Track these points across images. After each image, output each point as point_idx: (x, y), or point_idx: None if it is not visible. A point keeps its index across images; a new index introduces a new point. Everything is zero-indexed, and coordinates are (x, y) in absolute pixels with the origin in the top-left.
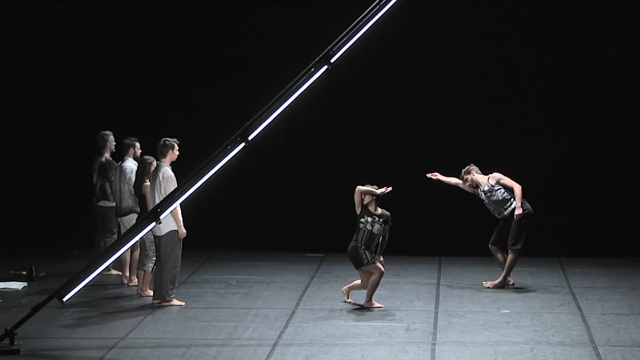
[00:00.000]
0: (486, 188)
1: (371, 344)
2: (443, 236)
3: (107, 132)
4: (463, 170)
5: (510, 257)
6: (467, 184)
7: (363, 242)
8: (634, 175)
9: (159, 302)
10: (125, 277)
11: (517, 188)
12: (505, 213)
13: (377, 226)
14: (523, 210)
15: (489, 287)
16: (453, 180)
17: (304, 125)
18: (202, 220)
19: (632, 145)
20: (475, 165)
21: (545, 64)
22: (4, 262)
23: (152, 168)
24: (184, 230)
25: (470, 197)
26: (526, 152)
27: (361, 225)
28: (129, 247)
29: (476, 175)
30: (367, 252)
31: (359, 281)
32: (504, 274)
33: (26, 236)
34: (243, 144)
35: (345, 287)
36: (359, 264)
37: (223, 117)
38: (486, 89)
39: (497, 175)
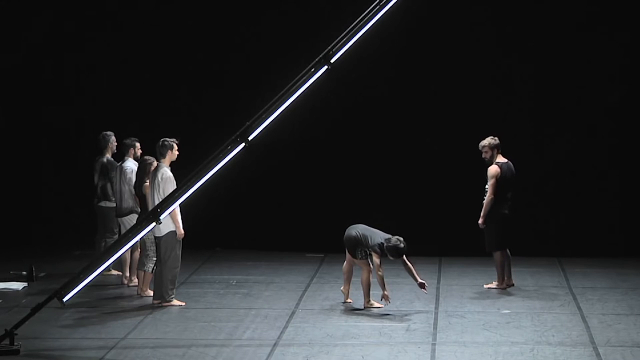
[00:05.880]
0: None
1: (371, 344)
2: (443, 236)
3: (108, 132)
4: (490, 142)
5: (495, 259)
6: (483, 156)
7: (364, 243)
8: (634, 175)
9: (159, 303)
10: (125, 277)
11: (488, 198)
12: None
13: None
14: (488, 216)
15: (489, 288)
16: None
17: (304, 125)
18: (202, 220)
19: (632, 145)
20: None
21: (546, 64)
22: (4, 262)
23: (153, 168)
24: (182, 231)
25: (470, 198)
26: (527, 151)
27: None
28: (129, 248)
29: (497, 157)
30: (362, 251)
31: (346, 275)
32: (497, 277)
33: (26, 236)
34: (243, 144)
35: (343, 288)
36: (352, 253)
37: (223, 117)
38: (487, 88)
39: (490, 171)
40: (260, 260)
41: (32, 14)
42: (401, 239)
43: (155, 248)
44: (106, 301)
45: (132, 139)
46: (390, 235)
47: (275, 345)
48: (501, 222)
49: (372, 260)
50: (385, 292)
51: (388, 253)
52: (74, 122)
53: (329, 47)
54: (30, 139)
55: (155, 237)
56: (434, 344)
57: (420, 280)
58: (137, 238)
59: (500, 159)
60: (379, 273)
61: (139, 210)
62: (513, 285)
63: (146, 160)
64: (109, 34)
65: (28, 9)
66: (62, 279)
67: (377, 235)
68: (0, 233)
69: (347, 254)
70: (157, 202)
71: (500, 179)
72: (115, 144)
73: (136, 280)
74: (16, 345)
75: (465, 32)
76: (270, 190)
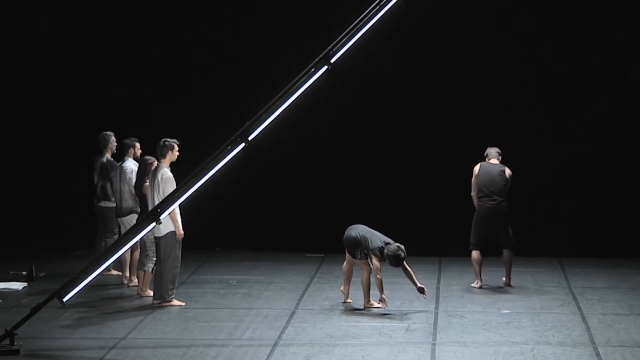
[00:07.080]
0: None
1: (371, 344)
2: (443, 236)
3: (108, 132)
4: (495, 152)
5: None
6: None
7: (364, 245)
8: (633, 175)
9: (159, 303)
10: (126, 277)
11: (473, 194)
12: None
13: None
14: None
15: (479, 287)
16: None
17: (304, 124)
18: (202, 220)
19: (632, 145)
20: (475, 164)
21: (547, 64)
22: (4, 262)
23: (153, 168)
24: (182, 232)
25: (470, 198)
26: (527, 152)
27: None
28: (129, 248)
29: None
30: (361, 252)
31: (346, 274)
32: (477, 275)
33: (26, 236)
34: (243, 144)
35: (343, 288)
36: (352, 254)
37: (223, 117)
38: (487, 88)
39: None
40: (260, 260)
41: (32, 13)
42: (402, 246)
43: (155, 248)
44: (106, 301)
45: (132, 139)
46: (390, 240)
47: (275, 345)
48: (477, 221)
49: (372, 262)
50: (383, 296)
51: (388, 260)
52: (73, 122)
53: (329, 47)
54: (30, 139)
55: (155, 237)
56: (434, 344)
57: (419, 285)
58: (137, 238)
59: (492, 160)
60: (378, 276)
61: (139, 210)
62: (511, 286)
63: (146, 160)
64: (109, 34)
65: (28, 8)
66: (62, 279)
67: (377, 238)
68: (0, 233)
69: (347, 254)
70: (157, 202)
71: (475, 177)
72: (115, 144)
73: (136, 280)
74: (16, 345)
75: (465, 33)
76: (270, 190)
